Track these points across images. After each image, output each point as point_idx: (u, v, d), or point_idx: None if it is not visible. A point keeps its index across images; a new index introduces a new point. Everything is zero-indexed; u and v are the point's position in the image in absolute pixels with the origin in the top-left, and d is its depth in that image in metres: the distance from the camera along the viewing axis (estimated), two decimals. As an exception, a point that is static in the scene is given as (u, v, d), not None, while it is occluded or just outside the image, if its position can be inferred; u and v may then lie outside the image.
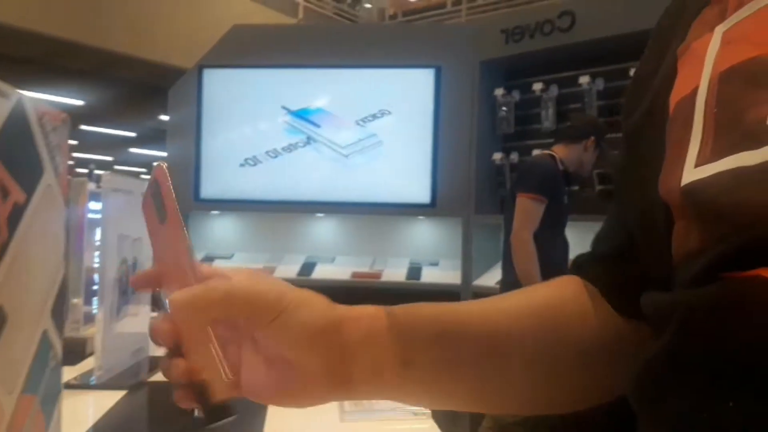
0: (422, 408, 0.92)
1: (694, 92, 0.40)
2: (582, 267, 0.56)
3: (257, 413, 0.92)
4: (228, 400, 0.43)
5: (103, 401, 1.02)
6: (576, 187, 3.21)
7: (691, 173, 0.37)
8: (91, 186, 1.55)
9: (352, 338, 0.47)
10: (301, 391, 0.46)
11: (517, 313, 0.53)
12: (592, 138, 2.68)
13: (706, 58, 0.40)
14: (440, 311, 0.52)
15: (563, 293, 0.54)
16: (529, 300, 0.55)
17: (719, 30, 0.40)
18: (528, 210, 2.50)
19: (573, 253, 2.67)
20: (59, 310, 0.53)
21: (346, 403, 0.93)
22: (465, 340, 0.50)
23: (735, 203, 0.34)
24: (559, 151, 2.68)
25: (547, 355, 0.52)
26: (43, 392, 0.50)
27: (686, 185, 0.37)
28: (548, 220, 2.51)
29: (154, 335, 0.44)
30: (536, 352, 0.52)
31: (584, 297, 0.53)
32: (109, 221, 1.16)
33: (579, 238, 2.93)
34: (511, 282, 2.58)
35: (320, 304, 0.47)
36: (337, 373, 0.46)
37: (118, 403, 1.01)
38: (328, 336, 0.46)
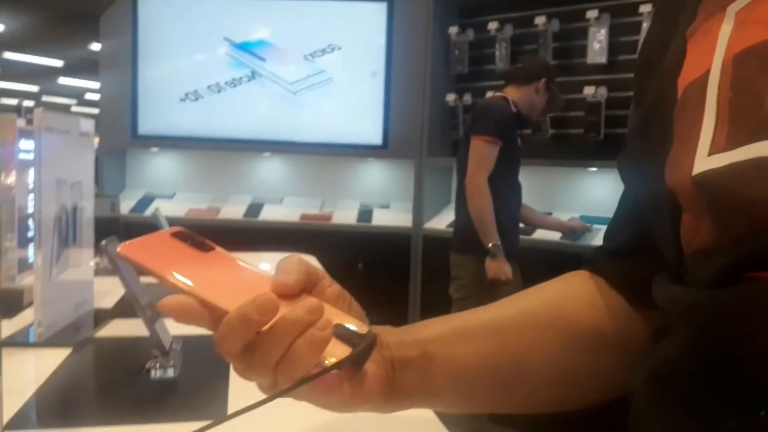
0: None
1: (706, 75, 0.37)
2: (593, 262, 0.56)
3: (221, 380, 0.86)
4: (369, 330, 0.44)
5: (46, 361, 0.93)
6: (529, 131, 3.20)
7: (704, 162, 0.35)
8: (20, 122, 1.40)
9: (391, 343, 0.49)
10: (359, 388, 0.45)
11: (528, 312, 0.54)
12: (543, 80, 2.64)
13: (719, 39, 0.37)
14: (447, 321, 0.54)
15: (572, 290, 0.55)
16: (539, 299, 0.55)
17: (732, 9, 0.38)
18: (483, 153, 2.46)
19: (525, 197, 2.67)
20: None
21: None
22: (478, 339, 0.52)
23: (754, 198, 0.32)
24: (511, 93, 2.63)
25: (561, 349, 0.52)
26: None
27: (698, 175, 0.35)
28: (502, 163, 2.48)
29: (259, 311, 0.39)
30: (550, 346, 0.52)
31: (594, 291, 0.53)
32: (44, 164, 1.04)
33: (532, 182, 2.93)
34: (463, 226, 2.57)
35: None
36: (386, 374, 0.47)
37: (62, 364, 0.93)
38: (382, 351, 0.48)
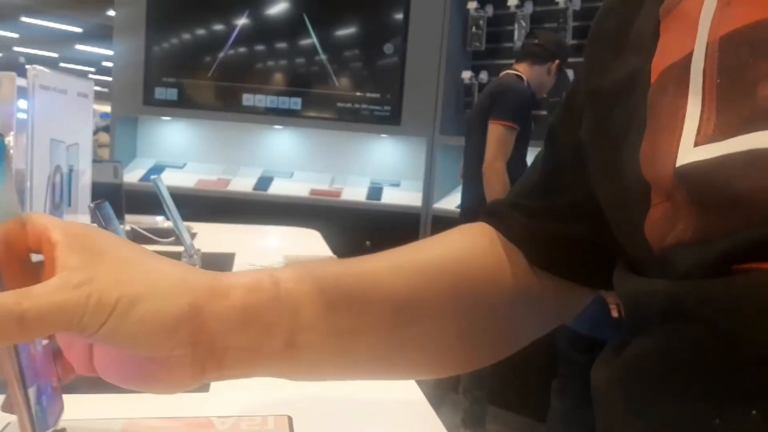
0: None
1: (688, 59, 0.34)
2: (499, 216, 0.52)
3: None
4: None
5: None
6: (544, 112, 3.13)
7: (690, 153, 0.32)
8: (22, 82, 1.38)
9: (219, 323, 0.39)
10: (166, 378, 0.39)
11: (431, 271, 0.48)
12: (557, 61, 2.56)
13: (701, 19, 0.34)
14: (342, 272, 0.45)
15: (477, 245, 0.51)
16: (444, 255, 0.50)
17: None
18: (502, 139, 2.39)
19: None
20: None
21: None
22: (368, 306, 0.44)
23: (750, 192, 0.29)
24: (524, 70, 2.55)
25: (461, 314, 0.48)
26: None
27: (684, 166, 0.32)
28: (516, 147, 2.42)
29: None
30: (450, 311, 0.48)
31: (498, 248, 0.50)
32: (37, 122, 1.01)
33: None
34: (471, 210, 2.52)
35: (167, 293, 0.38)
36: (206, 361, 0.39)
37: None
38: (183, 328, 0.38)
